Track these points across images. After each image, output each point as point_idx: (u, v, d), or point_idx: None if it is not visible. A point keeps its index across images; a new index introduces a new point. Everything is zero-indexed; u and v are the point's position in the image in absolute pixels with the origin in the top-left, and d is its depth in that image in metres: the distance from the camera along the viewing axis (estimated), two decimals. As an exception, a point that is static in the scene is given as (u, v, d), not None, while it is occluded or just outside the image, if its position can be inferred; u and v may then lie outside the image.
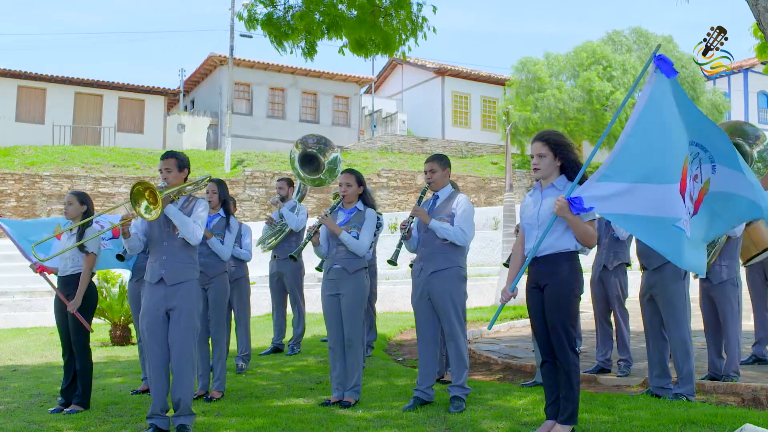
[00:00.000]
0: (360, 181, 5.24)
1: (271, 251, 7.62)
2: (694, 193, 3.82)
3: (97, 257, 5.31)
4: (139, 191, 4.17)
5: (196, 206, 4.55)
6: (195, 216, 4.49)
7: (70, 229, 5.36)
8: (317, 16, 7.75)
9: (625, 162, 3.66)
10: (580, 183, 3.77)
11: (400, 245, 5.10)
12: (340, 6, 7.73)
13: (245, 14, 8.00)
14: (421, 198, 5.09)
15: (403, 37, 7.96)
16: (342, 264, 5.08)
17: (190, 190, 4.63)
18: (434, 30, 8.07)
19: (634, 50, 25.40)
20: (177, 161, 4.58)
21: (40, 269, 5.43)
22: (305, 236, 5.33)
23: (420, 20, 8.00)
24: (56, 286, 5.40)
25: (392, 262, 5.08)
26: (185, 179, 4.62)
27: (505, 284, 4.00)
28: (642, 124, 3.67)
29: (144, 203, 4.17)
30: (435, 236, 4.86)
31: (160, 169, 4.59)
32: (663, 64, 3.72)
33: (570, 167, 3.96)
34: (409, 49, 8.10)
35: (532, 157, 4.04)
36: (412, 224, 5.00)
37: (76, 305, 5.19)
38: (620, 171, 3.65)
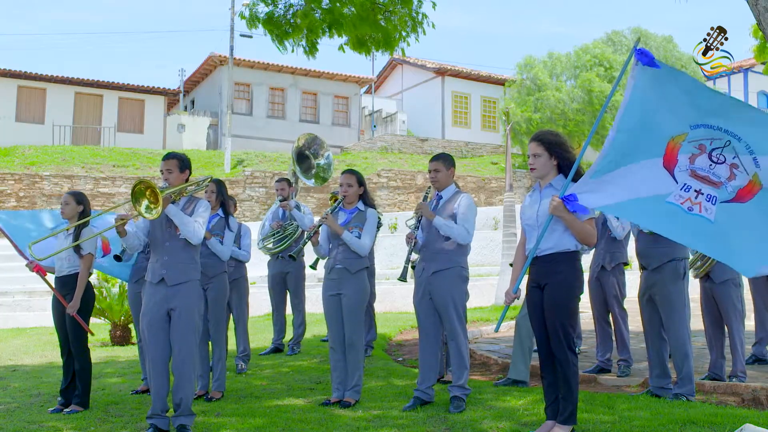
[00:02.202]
0: (360, 181, 5.24)
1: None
2: (734, 180, 3.63)
3: (94, 258, 5.31)
4: (141, 190, 4.15)
5: (197, 207, 4.54)
6: (197, 215, 4.48)
7: (67, 230, 5.35)
8: (318, 14, 7.75)
9: (615, 157, 3.67)
10: (575, 180, 3.79)
11: (408, 261, 5.03)
12: (339, 4, 7.73)
13: (246, 13, 8.00)
14: (425, 198, 5.09)
15: (404, 33, 7.96)
16: (344, 264, 5.07)
17: (191, 191, 4.62)
18: (433, 26, 8.07)
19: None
20: (179, 162, 4.56)
21: (36, 268, 5.42)
22: (305, 236, 5.32)
23: (420, 17, 8.00)
24: (53, 286, 5.39)
25: (402, 279, 5.07)
26: (187, 180, 4.61)
27: (509, 286, 4.01)
28: (627, 118, 3.69)
29: (145, 202, 4.16)
30: (437, 237, 4.86)
31: (161, 170, 4.57)
32: (644, 57, 3.73)
33: (567, 166, 3.97)
34: (408, 45, 8.10)
35: (529, 157, 4.06)
36: (416, 234, 4.97)
37: (74, 308, 5.18)
38: (610, 165, 3.67)
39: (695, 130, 3.68)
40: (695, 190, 3.64)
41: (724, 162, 3.65)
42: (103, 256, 5.75)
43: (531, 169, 4.05)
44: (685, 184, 3.66)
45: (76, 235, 5.21)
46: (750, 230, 3.60)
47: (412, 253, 5.07)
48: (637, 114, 3.69)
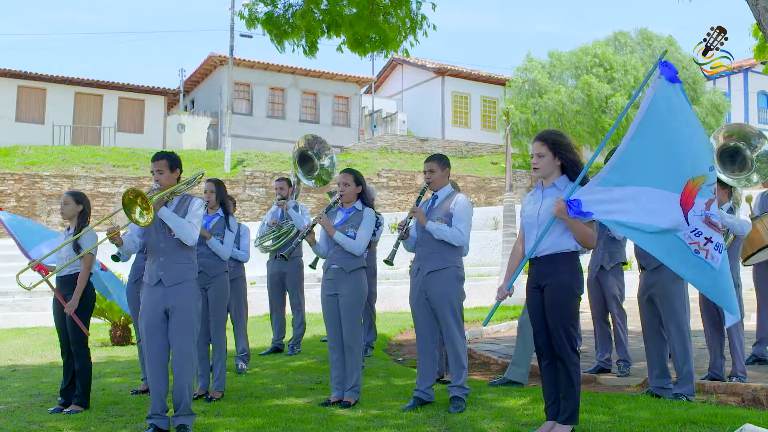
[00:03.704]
0: (358, 180, 5.23)
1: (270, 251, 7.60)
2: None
3: (94, 258, 5.31)
4: (131, 199, 4.14)
5: (191, 204, 4.53)
6: (191, 215, 4.47)
7: (68, 229, 5.36)
8: (317, 15, 7.76)
9: (626, 166, 3.65)
10: (582, 184, 3.77)
11: (396, 245, 5.06)
12: (338, 5, 7.73)
13: (246, 13, 8.01)
14: (419, 198, 5.08)
15: (402, 35, 7.96)
16: (340, 263, 5.06)
17: (183, 190, 4.60)
18: (434, 27, 8.06)
19: (637, 51, 25.38)
20: (168, 162, 4.55)
21: (38, 268, 5.44)
22: (299, 236, 5.32)
23: (419, 18, 8.00)
24: (54, 286, 5.40)
25: (388, 261, 5.07)
26: (178, 179, 4.60)
27: (502, 282, 4.00)
28: (643, 128, 3.66)
29: (138, 209, 4.15)
30: (432, 236, 4.85)
31: (152, 171, 4.58)
32: (668, 70, 3.72)
33: (570, 167, 3.94)
34: (410, 47, 8.10)
35: (533, 156, 4.04)
36: (410, 224, 4.99)
37: (73, 307, 5.18)
38: (620, 175, 3.65)
39: (712, 172, 3.71)
40: (705, 237, 3.65)
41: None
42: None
43: (534, 168, 4.01)
44: (696, 228, 3.65)
45: (77, 238, 5.22)
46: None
47: (407, 252, 5.07)
48: (654, 128, 3.65)
